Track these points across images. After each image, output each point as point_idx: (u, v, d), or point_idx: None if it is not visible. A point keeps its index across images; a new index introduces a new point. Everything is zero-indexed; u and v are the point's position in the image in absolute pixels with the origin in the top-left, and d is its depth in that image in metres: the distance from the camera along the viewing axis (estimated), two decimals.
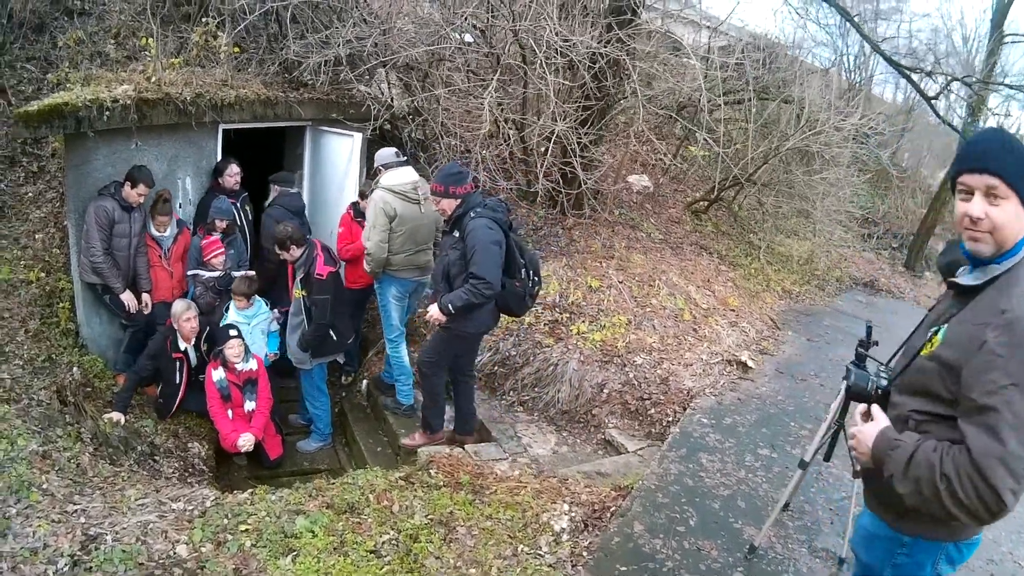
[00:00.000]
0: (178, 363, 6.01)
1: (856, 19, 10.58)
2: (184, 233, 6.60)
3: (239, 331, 5.90)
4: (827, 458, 3.54)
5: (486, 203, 5.05)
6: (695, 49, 8.94)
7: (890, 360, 2.58)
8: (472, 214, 4.94)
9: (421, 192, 5.89)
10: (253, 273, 6.56)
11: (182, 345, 6.02)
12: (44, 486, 4.21)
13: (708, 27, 9.64)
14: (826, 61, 14.50)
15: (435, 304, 5.09)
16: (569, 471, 5.22)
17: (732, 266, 9.27)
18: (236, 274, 6.48)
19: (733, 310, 7.86)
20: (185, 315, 5.93)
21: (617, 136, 9.63)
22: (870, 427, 2.24)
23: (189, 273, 6.53)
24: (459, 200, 5.02)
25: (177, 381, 6.02)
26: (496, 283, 4.89)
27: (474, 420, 5.88)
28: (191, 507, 4.32)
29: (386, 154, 6.09)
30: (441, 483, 4.76)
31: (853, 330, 8.70)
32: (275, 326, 6.59)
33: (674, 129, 10.87)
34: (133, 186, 5.93)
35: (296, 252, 5.79)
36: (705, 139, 7.25)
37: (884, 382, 2.41)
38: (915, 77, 12.01)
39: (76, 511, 4.09)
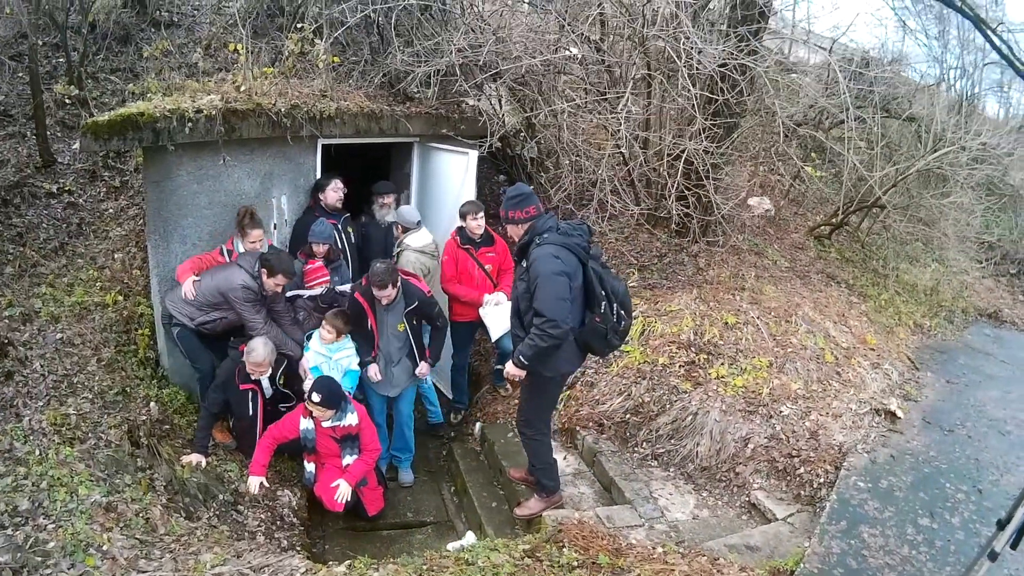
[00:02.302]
0: (249, 394, 5.36)
1: (984, 29, 9.71)
2: None
3: (323, 394, 5.00)
4: (1015, 546, 3.25)
5: (559, 227, 4.42)
6: (808, 66, 8.29)
7: None
8: (538, 240, 4.37)
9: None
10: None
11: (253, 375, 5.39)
12: (104, 547, 3.62)
13: (820, 47, 8.92)
14: (929, 77, 13.59)
15: (510, 362, 4.55)
16: (715, 544, 4.61)
17: (862, 297, 8.45)
18: (340, 288, 5.87)
19: (873, 349, 7.05)
20: (262, 363, 5.25)
21: (740, 156, 8.89)
22: None
23: (289, 294, 5.85)
24: (524, 226, 4.49)
25: (250, 413, 5.40)
26: (562, 319, 4.26)
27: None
28: None
29: (412, 215, 6.46)
30: (575, 562, 4.04)
31: (989, 370, 8.01)
32: (355, 365, 5.75)
33: (790, 148, 10.15)
34: (270, 275, 5.36)
35: (398, 284, 5.38)
36: (852, 161, 6.44)
37: None
38: None
39: None
